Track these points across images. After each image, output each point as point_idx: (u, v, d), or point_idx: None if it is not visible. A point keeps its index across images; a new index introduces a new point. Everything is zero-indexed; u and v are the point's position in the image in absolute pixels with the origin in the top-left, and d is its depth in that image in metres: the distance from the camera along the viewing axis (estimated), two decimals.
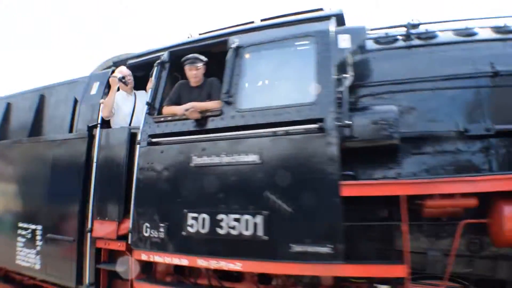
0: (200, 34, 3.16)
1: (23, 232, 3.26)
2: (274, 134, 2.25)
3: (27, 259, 3.18)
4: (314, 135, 2.15)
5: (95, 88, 3.29)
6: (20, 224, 3.33)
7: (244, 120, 2.36)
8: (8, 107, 4.10)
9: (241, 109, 2.40)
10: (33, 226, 3.19)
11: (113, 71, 3.29)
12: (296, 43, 2.48)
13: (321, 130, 2.12)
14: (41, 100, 3.82)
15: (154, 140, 2.65)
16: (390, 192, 2.01)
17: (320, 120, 2.13)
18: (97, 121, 3.06)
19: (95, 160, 2.95)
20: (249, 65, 2.54)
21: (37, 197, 3.27)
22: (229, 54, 2.57)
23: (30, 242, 3.18)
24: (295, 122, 2.21)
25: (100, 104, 3.12)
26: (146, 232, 2.52)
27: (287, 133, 2.22)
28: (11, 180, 3.59)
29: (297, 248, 2.05)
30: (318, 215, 2.07)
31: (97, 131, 3.02)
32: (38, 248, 3.11)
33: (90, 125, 3.11)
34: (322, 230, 2.04)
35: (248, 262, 2.18)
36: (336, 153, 2.08)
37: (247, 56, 2.56)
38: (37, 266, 3.07)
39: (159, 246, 2.46)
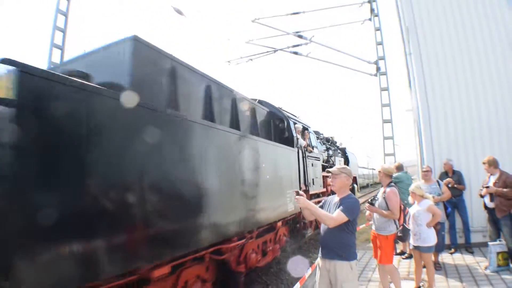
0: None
1: (288, 194, 6.42)
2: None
3: (288, 207, 6.50)
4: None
5: (297, 133, 7.34)
6: (288, 191, 6.35)
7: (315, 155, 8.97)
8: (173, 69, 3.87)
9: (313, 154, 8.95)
10: (290, 190, 6.59)
11: (294, 122, 7.55)
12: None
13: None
14: (208, 89, 4.52)
15: (313, 159, 8.15)
16: None
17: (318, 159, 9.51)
18: (299, 147, 7.40)
19: (302, 168, 7.44)
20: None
21: (284, 177, 6.62)
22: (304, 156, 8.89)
23: (289, 198, 6.55)
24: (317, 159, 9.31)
25: (301, 144, 7.46)
26: (309, 185, 8.05)
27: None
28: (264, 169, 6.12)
29: None
30: None
31: (301, 156, 7.42)
32: (290, 199, 6.69)
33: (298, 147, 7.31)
34: None
35: None
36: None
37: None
38: (291, 208, 6.69)
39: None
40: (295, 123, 7.73)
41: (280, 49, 11.26)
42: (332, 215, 2.73)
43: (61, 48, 8.11)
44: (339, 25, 10.75)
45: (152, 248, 2.82)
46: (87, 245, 2.21)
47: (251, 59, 12.07)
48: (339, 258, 2.70)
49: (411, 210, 4.35)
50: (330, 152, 13.24)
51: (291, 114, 8.67)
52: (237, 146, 4.60)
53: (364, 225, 9.07)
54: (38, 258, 1.91)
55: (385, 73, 9.28)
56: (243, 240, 4.64)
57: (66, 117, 2.21)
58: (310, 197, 8.04)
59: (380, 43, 9.40)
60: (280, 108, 8.11)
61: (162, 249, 2.95)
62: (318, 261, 2.89)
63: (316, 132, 12.93)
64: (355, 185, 14.85)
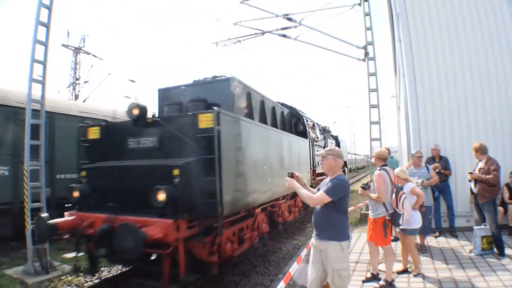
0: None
1: (304, 172, 9.07)
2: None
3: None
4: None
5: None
6: (304, 169, 9.00)
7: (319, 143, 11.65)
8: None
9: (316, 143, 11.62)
10: (306, 169, 9.24)
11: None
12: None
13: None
14: (262, 103, 8.41)
15: (318, 147, 10.81)
16: None
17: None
18: (311, 141, 10.01)
19: (310, 154, 10.10)
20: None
21: (302, 159, 9.25)
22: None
23: (304, 175, 9.21)
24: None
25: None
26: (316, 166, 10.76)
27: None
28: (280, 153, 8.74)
29: None
30: None
31: (310, 145, 10.04)
32: (305, 176, 9.37)
33: (308, 138, 9.92)
34: None
35: None
36: None
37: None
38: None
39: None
40: (306, 120, 10.31)
41: (269, 32, 10.87)
42: (313, 195, 2.78)
43: (47, 25, 7.61)
44: (329, 9, 10.26)
45: (259, 196, 5.56)
46: (250, 190, 5.14)
47: (239, 41, 11.48)
48: (330, 238, 2.68)
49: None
50: (327, 140, 16.02)
51: (301, 111, 11.23)
52: (282, 140, 7.17)
53: (352, 207, 9.21)
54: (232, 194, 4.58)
55: (373, 59, 9.07)
56: (283, 200, 7.29)
57: (235, 130, 4.75)
58: (317, 175, 10.79)
59: (369, 28, 9.20)
60: (295, 108, 10.64)
61: (261, 197, 5.67)
62: (312, 241, 2.91)
63: (317, 124, 15.61)
64: (345, 169, 17.76)
